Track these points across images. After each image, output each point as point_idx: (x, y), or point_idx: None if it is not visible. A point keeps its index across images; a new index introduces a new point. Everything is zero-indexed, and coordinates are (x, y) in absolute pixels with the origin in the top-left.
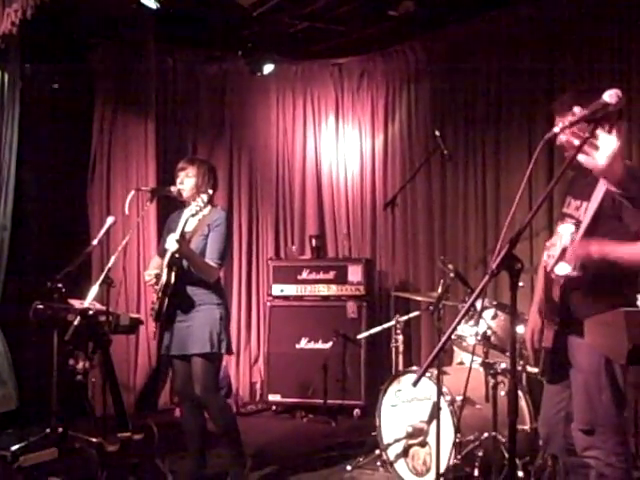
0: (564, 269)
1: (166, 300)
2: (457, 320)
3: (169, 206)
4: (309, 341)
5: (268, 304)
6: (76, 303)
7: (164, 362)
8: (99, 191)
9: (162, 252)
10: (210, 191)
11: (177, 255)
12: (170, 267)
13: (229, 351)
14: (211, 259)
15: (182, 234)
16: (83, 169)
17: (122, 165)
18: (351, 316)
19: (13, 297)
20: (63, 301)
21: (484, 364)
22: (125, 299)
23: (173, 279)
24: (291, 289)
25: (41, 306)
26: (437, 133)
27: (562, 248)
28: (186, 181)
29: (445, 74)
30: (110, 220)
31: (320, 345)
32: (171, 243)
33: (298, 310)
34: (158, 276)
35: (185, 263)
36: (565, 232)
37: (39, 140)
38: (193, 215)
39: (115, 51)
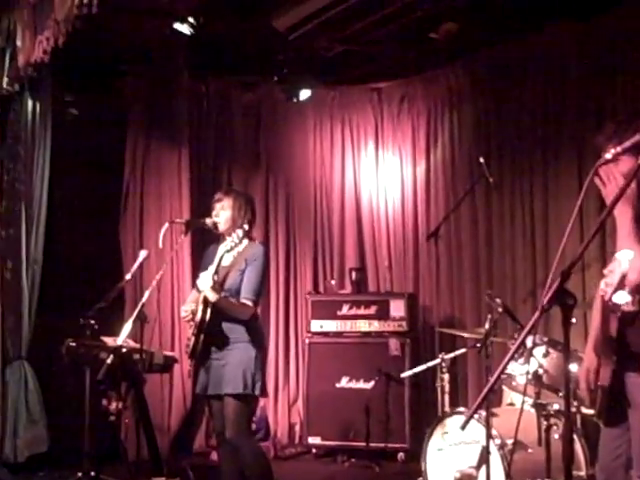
0: (623, 298)
1: (201, 337)
2: (506, 358)
3: (205, 239)
4: (350, 380)
5: (307, 341)
6: (109, 340)
7: (200, 402)
8: (132, 224)
9: (198, 290)
10: (246, 226)
11: (210, 301)
12: (205, 303)
13: (263, 393)
14: (247, 297)
15: (215, 280)
16: (115, 201)
17: (155, 197)
18: (394, 354)
19: (45, 334)
20: (96, 338)
21: (536, 405)
22: (159, 336)
23: (208, 316)
24: (331, 325)
25: (73, 344)
26: (481, 160)
27: (621, 275)
28: (222, 213)
29: (489, 98)
30: (143, 254)
31: (362, 384)
32: (204, 284)
33: (338, 347)
34: (194, 312)
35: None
36: (624, 258)
37: (70, 172)
38: (228, 251)
39: (147, 79)
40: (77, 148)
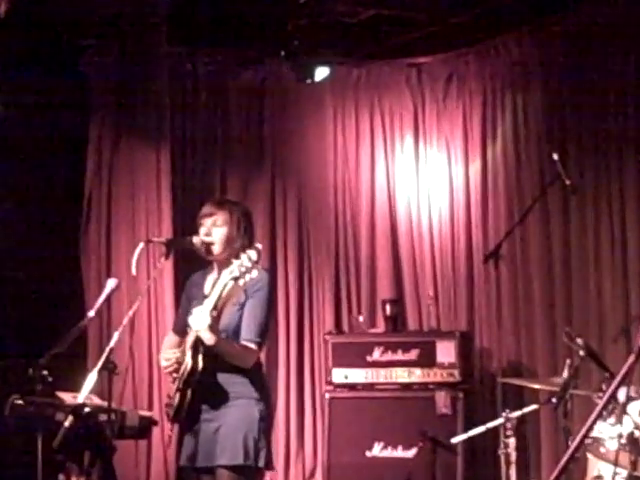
0: None
1: (189, 392)
2: (592, 417)
3: (191, 263)
4: (385, 447)
5: (327, 396)
6: (67, 397)
7: (186, 477)
8: (96, 244)
9: (181, 328)
10: (259, 245)
11: (207, 344)
12: (196, 348)
13: (269, 465)
14: (249, 338)
15: (216, 305)
16: (74, 214)
17: (127, 208)
18: (442, 411)
19: None
20: (50, 394)
21: (631, 478)
22: (133, 391)
23: (201, 364)
24: (358, 375)
25: (20, 401)
26: (555, 157)
27: None
28: (215, 231)
29: (564, 76)
30: (111, 283)
31: (400, 453)
32: (199, 322)
33: (368, 404)
34: (179, 360)
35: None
36: None
37: (16, 178)
38: (236, 279)
39: (116, 56)
40: (22, 145)
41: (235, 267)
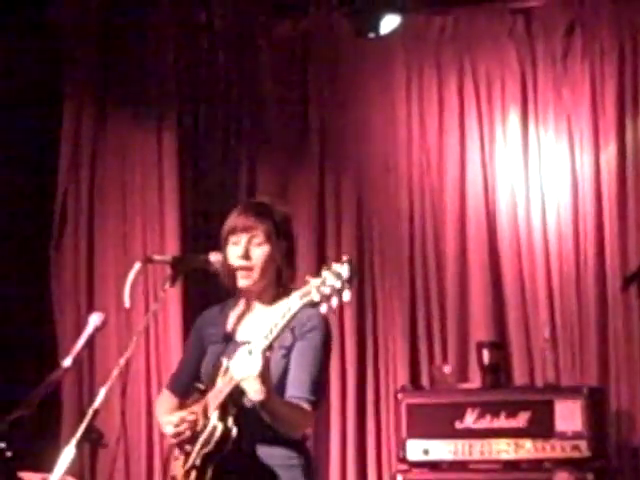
0: None
1: (209, 472)
2: None
3: (208, 292)
4: None
5: (399, 478)
6: (34, 479)
7: None
8: (73, 265)
9: (183, 387)
10: (347, 257)
11: (254, 399)
12: (225, 409)
13: None
14: (301, 396)
15: (271, 345)
16: (42, 222)
17: (116, 214)
18: None
19: None
20: (10, 476)
21: None
22: (125, 470)
23: (235, 431)
24: (443, 449)
25: None
26: None
27: None
28: (255, 252)
29: None
30: (95, 320)
31: None
32: (247, 366)
33: None
34: (193, 424)
35: (249, 402)
36: None
37: None
38: (314, 305)
39: (98, 7)
40: None
41: (312, 288)
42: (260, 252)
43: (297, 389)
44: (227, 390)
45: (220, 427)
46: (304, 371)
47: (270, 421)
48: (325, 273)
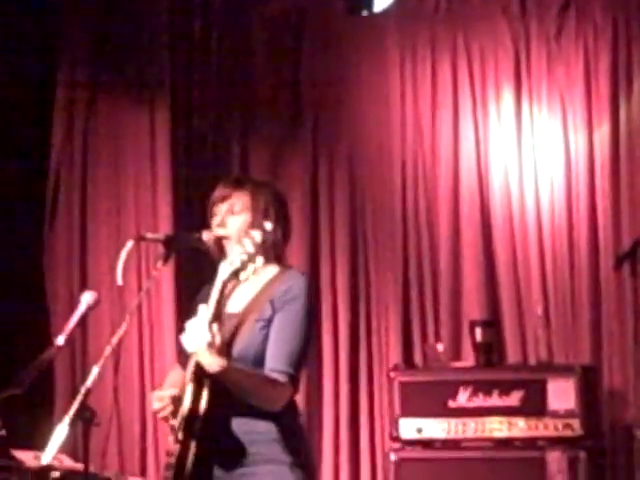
0: None
1: (192, 446)
2: None
3: (201, 270)
4: None
5: (392, 457)
6: (27, 457)
7: None
8: (66, 244)
9: (185, 358)
10: (268, 225)
11: (209, 371)
12: (199, 382)
13: None
14: (277, 368)
15: (215, 332)
16: (34, 203)
17: (109, 192)
18: (556, 478)
19: None
20: (3, 453)
21: None
22: (119, 448)
23: (204, 405)
24: (436, 427)
25: None
26: None
27: None
28: (231, 221)
29: None
30: (88, 298)
31: None
32: (195, 340)
33: (451, 468)
34: (177, 401)
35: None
36: None
37: None
38: (236, 272)
39: None
40: None
41: (236, 255)
42: (236, 221)
43: (274, 361)
44: (192, 365)
45: (189, 402)
46: (283, 343)
47: (236, 393)
48: (244, 240)
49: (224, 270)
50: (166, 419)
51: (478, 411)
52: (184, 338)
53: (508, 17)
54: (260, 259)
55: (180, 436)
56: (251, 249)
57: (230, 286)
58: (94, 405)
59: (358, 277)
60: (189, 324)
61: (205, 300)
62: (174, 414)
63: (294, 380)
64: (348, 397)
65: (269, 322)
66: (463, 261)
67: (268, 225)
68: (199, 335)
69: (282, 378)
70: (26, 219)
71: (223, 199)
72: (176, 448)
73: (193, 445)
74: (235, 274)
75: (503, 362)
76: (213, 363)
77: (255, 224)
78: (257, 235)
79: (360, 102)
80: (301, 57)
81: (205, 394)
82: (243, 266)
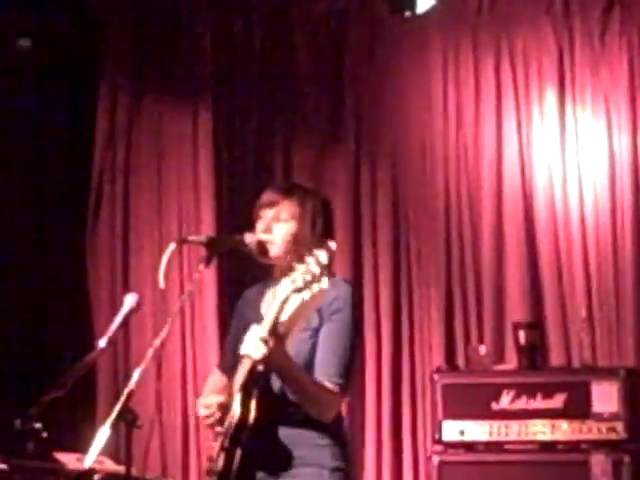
0: None
1: (237, 454)
2: None
3: (244, 273)
4: None
5: (435, 460)
6: (69, 460)
7: None
8: (108, 247)
9: (231, 365)
10: (333, 244)
11: (263, 368)
12: (248, 392)
13: None
14: (327, 377)
15: (274, 327)
16: (78, 205)
17: (151, 196)
18: None
19: None
20: (45, 456)
21: None
22: (161, 452)
23: (253, 414)
24: (479, 430)
25: (4, 466)
26: None
27: None
28: (276, 228)
29: None
30: (130, 301)
31: None
32: (252, 345)
33: (494, 471)
34: (223, 408)
35: (278, 384)
36: None
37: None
38: (298, 290)
39: None
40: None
41: (298, 275)
42: (282, 228)
43: (324, 371)
44: (244, 372)
45: (238, 409)
46: (331, 353)
47: (295, 397)
48: (309, 259)
49: (285, 287)
50: (212, 426)
51: (521, 414)
52: (245, 343)
53: (551, 18)
54: (326, 280)
55: (226, 444)
56: (316, 270)
57: (292, 299)
58: (136, 408)
59: (400, 280)
60: (250, 332)
61: (251, 308)
62: (220, 421)
63: (344, 390)
64: (390, 399)
65: (316, 331)
66: (506, 262)
67: (333, 245)
68: (258, 340)
69: (334, 387)
70: (69, 222)
71: (270, 205)
72: (221, 455)
73: (238, 453)
74: (298, 291)
75: (546, 364)
76: (266, 357)
77: (302, 235)
78: (322, 255)
79: (402, 104)
80: (344, 58)
81: (253, 404)
82: (306, 286)
